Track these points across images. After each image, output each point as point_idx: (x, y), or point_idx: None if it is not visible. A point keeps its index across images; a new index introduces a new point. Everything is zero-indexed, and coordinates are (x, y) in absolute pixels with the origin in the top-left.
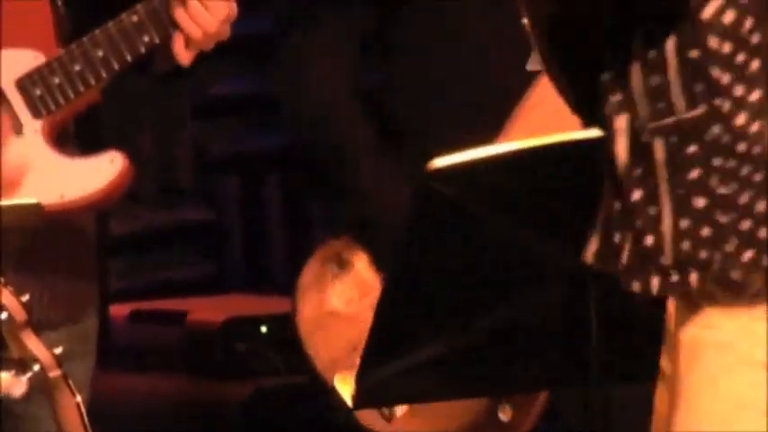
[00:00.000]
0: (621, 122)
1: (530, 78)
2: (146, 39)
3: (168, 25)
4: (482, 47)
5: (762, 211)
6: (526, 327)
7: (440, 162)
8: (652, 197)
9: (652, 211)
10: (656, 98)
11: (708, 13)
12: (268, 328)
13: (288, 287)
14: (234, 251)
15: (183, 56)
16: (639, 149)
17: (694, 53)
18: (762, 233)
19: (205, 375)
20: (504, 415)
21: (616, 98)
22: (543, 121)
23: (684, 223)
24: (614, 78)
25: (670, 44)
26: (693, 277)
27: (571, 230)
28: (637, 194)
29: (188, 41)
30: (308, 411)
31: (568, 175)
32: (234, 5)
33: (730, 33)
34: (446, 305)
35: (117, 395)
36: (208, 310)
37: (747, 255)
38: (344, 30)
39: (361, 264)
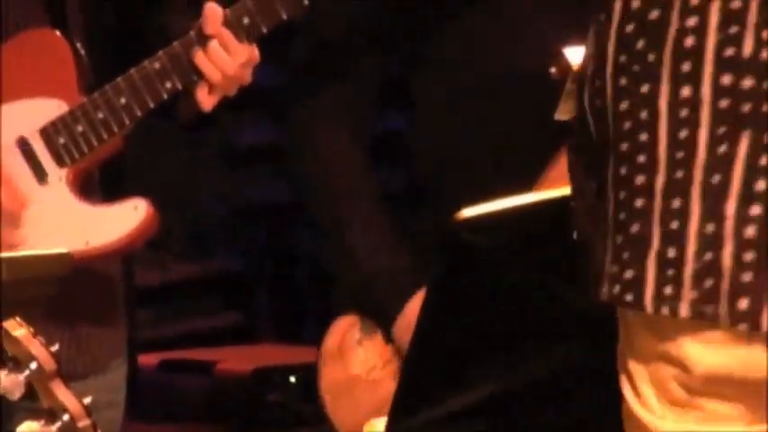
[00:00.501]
0: None
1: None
2: (168, 85)
3: (190, 71)
4: (510, 94)
5: None
6: (552, 377)
7: (467, 212)
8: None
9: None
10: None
11: None
12: (297, 379)
13: (316, 337)
14: (263, 300)
15: (206, 101)
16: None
17: None
18: None
19: (234, 425)
20: None
21: None
22: None
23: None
24: None
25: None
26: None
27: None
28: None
29: (210, 86)
30: None
31: None
32: (255, 51)
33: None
34: (473, 357)
35: None
36: (237, 360)
37: None
38: (355, 85)
39: (382, 332)
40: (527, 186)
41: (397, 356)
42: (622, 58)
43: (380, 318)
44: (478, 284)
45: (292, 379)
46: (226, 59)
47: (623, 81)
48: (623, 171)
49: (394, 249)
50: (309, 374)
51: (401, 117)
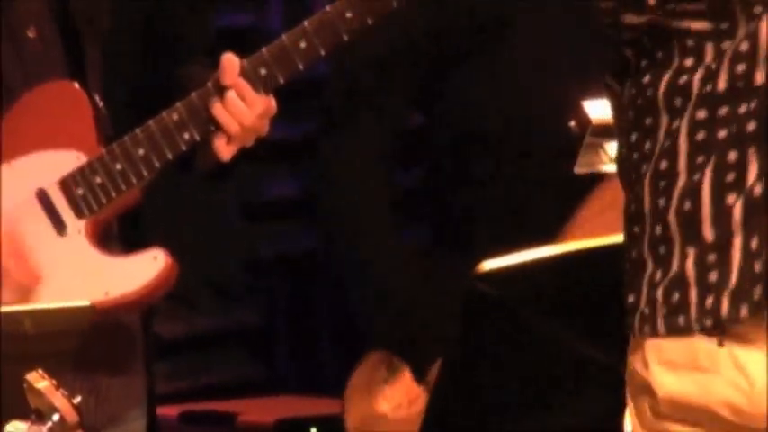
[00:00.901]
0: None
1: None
2: (186, 136)
3: (208, 122)
4: (530, 142)
5: None
6: (570, 429)
7: (488, 265)
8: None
9: None
10: None
11: None
12: (318, 430)
13: (337, 389)
14: (283, 353)
15: (224, 152)
16: None
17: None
18: None
19: None
20: None
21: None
22: (605, 225)
23: None
24: None
25: None
26: None
27: (616, 334)
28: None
29: (228, 137)
30: None
31: (612, 277)
32: (272, 102)
33: None
34: (494, 405)
35: None
36: (258, 412)
37: None
38: (379, 133)
39: (410, 371)
40: (547, 237)
41: (424, 395)
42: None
43: (416, 356)
44: (498, 335)
45: (313, 430)
46: (243, 110)
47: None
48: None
49: (427, 290)
50: (331, 425)
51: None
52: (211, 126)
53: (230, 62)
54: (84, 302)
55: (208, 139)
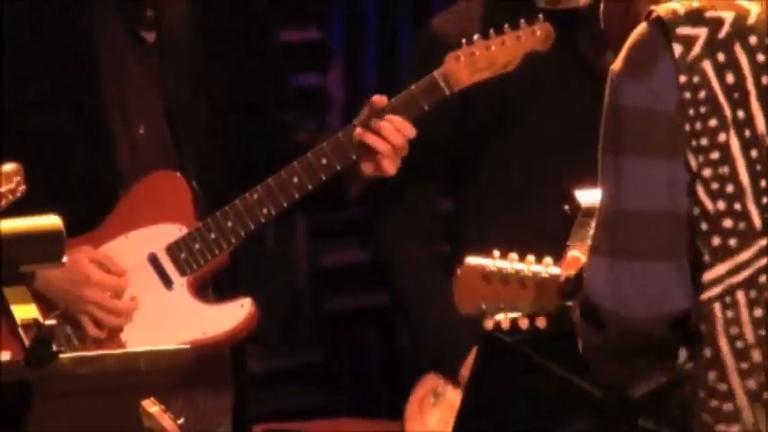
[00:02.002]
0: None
1: None
2: (264, 211)
3: (282, 201)
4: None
5: None
6: None
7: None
8: None
9: None
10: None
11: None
12: None
13: (384, 412)
14: (342, 385)
15: (390, 168)
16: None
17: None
18: None
19: None
20: None
21: None
22: None
23: None
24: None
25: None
26: None
27: None
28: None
29: (386, 156)
30: None
31: None
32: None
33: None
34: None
35: None
36: (320, 429)
37: None
38: (419, 203)
39: (452, 395)
40: None
41: None
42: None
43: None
44: (509, 373)
45: None
46: (395, 133)
47: None
48: None
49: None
50: None
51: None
52: (285, 204)
53: (381, 99)
54: (186, 347)
55: (276, 218)
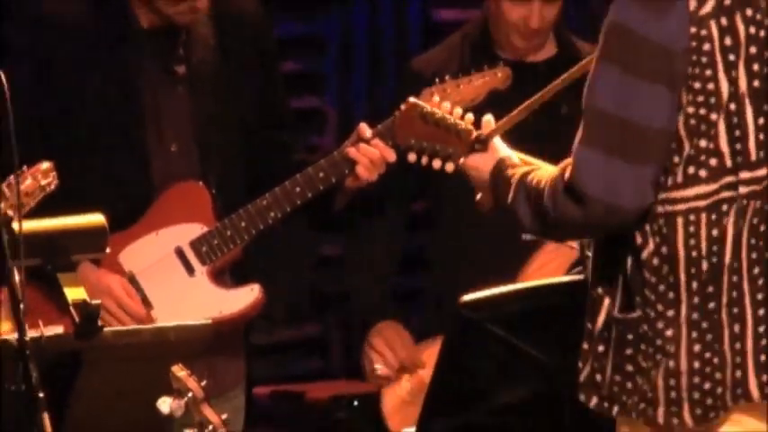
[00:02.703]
0: (604, 305)
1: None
2: (272, 215)
3: (286, 206)
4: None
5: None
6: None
7: (467, 297)
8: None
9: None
10: (619, 298)
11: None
12: (358, 402)
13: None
14: (337, 352)
15: (369, 177)
16: (606, 326)
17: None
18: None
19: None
20: None
21: (603, 289)
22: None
23: (617, 377)
24: (605, 279)
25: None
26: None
27: (559, 344)
28: (601, 348)
29: (366, 170)
30: None
31: (559, 302)
32: (392, 152)
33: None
34: (476, 391)
35: None
36: (319, 391)
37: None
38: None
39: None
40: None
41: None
42: None
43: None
44: (474, 342)
45: (355, 402)
46: (375, 153)
47: None
48: None
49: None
50: (365, 399)
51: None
52: (288, 209)
53: (365, 128)
54: (207, 322)
55: (284, 218)
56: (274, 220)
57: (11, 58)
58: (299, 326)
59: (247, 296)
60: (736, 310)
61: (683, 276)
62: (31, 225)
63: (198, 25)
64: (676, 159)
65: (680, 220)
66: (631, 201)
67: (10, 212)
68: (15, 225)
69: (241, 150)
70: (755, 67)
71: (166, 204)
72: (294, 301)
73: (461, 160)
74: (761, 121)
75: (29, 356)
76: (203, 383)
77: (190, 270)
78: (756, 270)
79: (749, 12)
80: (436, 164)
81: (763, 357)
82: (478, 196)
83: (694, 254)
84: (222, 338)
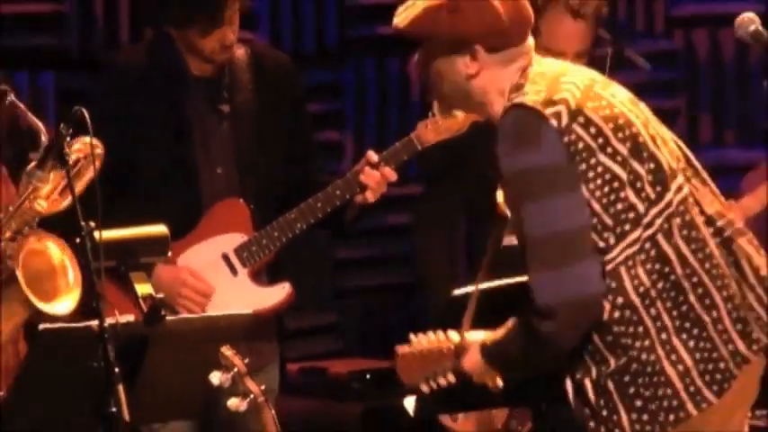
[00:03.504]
0: (592, 374)
1: None
2: (298, 226)
3: (310, 219)
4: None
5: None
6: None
7: (456, 291)
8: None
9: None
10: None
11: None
12: (371, 375)
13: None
14: (353, 335)
15: (371, 198)
16: (598, 385)
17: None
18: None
19: (337, 400)
20: (516, 422)
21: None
22: None
23: (634, 416)
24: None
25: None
26: None
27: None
28: (602, 402)
29: (371, 192)
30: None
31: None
32: (394, 173)
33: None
34: None
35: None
36: (339, 367)
37: None
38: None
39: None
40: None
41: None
42: None
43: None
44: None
45: (368, 376)
46: (378, 176)
47: None
48: None
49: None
50: (377, 374)
51: None
52: (312, 222)
53: (372, 154)
54: (249, 312)
55: (309, 228)
56: (300, 230)
57: (96, 100)
58: (322, 314)
59: (280, 293)
60: (707, 301)
61: (642, 310)
62: (108, 234)
63: (239, 72)
64: (604, 233)
65: (622, 269)
66: (592, 289)
67: (41, 204)
68: (96, 234)
69: (273, 173)
70: (620, 135)
71: (214, 218)
72: (318, 294)
73: (460, 370)
74: (647, 166)
75: (107, 340)
76: (246, 361)
77: (234, 271)
78: (708, 264)
79: (589, 104)
80: (442, 382)
81: (739, 326)
82: (490, 383)
83: (642, 290)
84: (260, 325)
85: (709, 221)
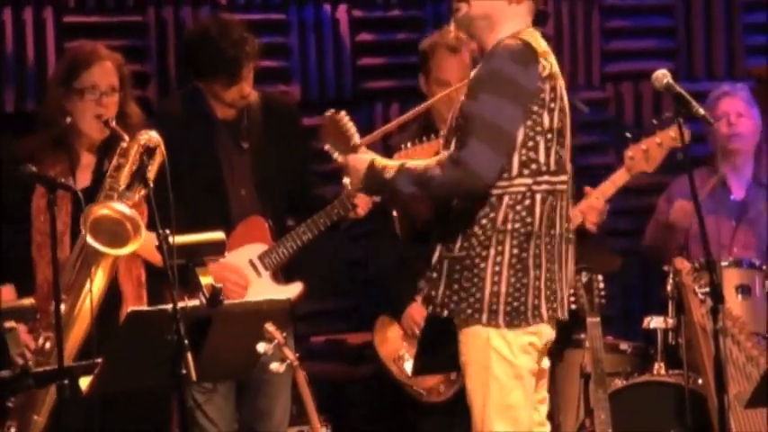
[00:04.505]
0: (437, 248)
1: None
2: (306, 236)
3: (315, 231)
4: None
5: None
6: None
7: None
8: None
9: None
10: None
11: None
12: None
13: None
14: (365, 315)
15: (362, 213)
16: (439, 261)
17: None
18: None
19: (354, 365)
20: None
21: (438, 237)
22: None
23: (447, 293)
24: (441, 231)
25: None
26: None
27: None
28: (435, 275)
29: (361, 208)
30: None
31: None
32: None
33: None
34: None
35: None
36: (354, 339)
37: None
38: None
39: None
40: None
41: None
42: None
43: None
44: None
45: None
46: (367, 200)
47: None
48: None
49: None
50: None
51: None
52: (315, 235)
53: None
54: (283, 298)
55: (314, 241)
56: (308, 240)
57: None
58: (342, 299)
59: (295, 289)
60: (538, 261)
61: (508, 235)
62: (179, 239)
63: (253, 115)
64: (513, 161)
65: (505, 199)
66: (489, 175)
67: (118, 204)
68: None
69: (283, 191)
70: (560, 117)
71: (241, 232)
72: (334, 284)
73: (342, 158)
74: (560, 149)
75: (179, 319)
76: (284, 335)
77: (258, 273)
78: (549, 244)
79: (560, 81)
80: (337, 157)
81: (548, 293)
82: (346, 180)
83: (516, 224)
84: (285, 313)
85: (563, 219)
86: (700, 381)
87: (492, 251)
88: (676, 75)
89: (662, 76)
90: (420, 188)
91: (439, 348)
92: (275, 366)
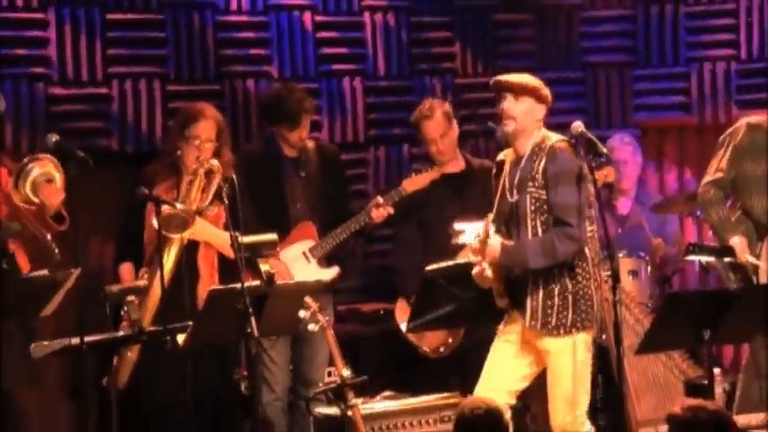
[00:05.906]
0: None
1: None
2: (341, 237)
3: (346, 234)
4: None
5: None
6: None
7: (429, 267)
8: None
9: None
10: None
11: None
12: (383, 312)
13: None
14: (378, 293)
15: (379, 219)
16: (562, 293)
17: None
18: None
19: (368, 325)
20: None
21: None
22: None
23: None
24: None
25: None
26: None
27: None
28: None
29: (378, 218)
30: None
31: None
32: (390, 209)
33: None
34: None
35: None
36: (368, 307)
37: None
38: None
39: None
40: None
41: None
42: None
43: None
44: (438, 293)
45: (381, 312)
46: (380, 212)
47: None
48: None
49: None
50: (387, 311)
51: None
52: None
53: (379, 198)
54: (324, 279)
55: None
56: (343, 239)
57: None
58: (360, 278)
59: (333, 271)
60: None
61: (590, 260)
62: (246, 239)
63: (309, 154)
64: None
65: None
66: (586, 240)
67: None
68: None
69: (327, 209)
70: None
71: (297, 232)
72: (358, 268)
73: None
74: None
75: (245, 294)
76: (318, 304)
77: (308, 261)
78: (597, 259)
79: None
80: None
81: (588, 305)
82: (487, 270)
83: (592, 252)
84: (325, 287)
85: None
86: (603, 336)
87: (590, 272)
88: (587, 125)
89: (577, 125)
90: (547, 258)
91: (430, 311)
92: (311, 327)
